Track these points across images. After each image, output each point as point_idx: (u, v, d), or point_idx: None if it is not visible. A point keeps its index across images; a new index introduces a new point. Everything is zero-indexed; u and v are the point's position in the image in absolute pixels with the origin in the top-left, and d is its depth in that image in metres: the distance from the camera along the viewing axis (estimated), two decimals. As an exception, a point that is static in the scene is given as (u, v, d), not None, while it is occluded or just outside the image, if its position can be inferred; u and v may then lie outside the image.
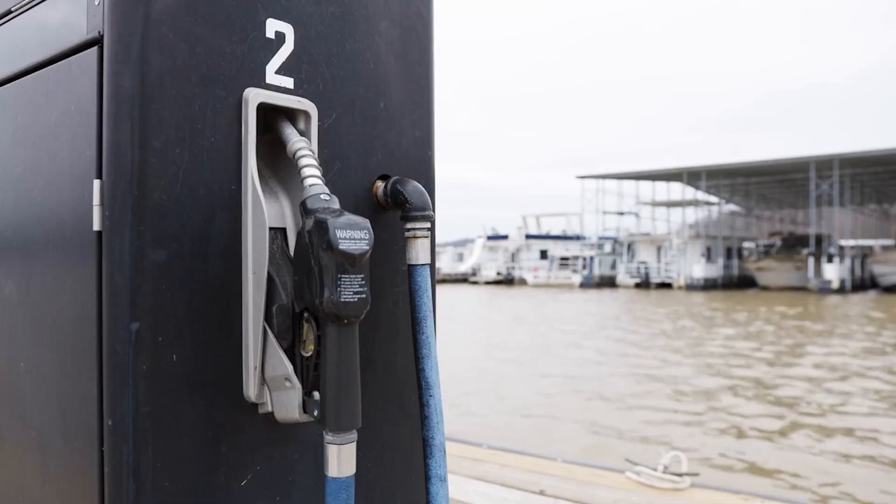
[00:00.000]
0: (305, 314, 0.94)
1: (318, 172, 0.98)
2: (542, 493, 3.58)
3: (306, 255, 0.92)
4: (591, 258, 53.97)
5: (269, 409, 1.00)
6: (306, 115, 1.06)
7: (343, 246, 0.89)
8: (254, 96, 1.00)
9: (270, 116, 1.04)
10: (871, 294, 39.65)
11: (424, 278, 1.16)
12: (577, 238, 59.48)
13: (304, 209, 0.94)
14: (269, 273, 0.98)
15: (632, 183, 57.20)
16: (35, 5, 1.12)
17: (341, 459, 0.93)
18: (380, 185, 1.19)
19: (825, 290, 39.66)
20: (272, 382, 0.98)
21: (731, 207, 62.75)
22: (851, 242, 48.65)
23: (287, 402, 0.97)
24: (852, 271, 43.22)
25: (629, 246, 52.75)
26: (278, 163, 1.06)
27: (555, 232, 62.89)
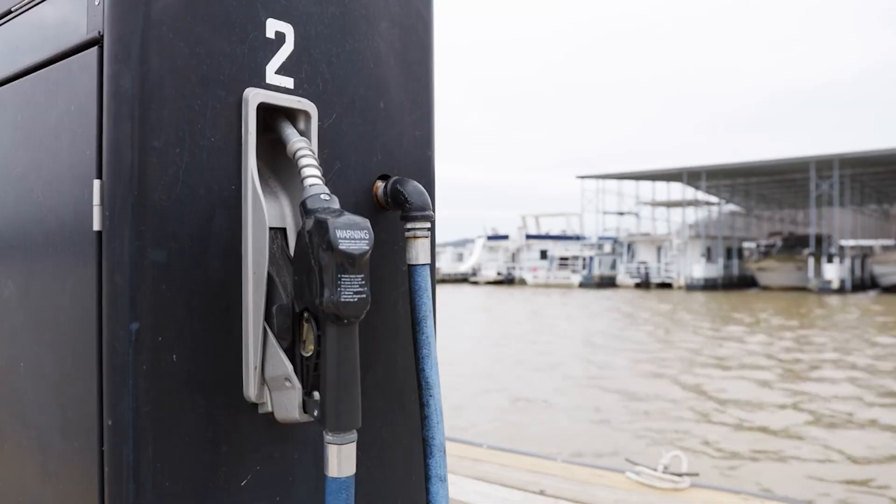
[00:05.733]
0: (305, 314, 0.94)
1: (318, 172, 0.98)
2: (542, 493, 3.57)
3: (306, 255, 0.92)
4: (591, 258, 53.95)
5: (269, 409, 1.00)
6: (306, 115, 1.06)
7: (343, 246, 0.89)
8: (254, 96, 1.00)
9: (270, 116, 1.04)
10: (872, 294, 39.65)
11: (424, 278, 1.16)
12: (578, 238, 59.46)
13: (304, 209, 0.94)
14: (269, 273, 0.98)
15: (632, 183, 57.20)
16: (35, 5, 1.12)
17: (341, 459, 0.93)
18: (380, 185, 1.19)
19: (825, 290, 39.64)
20: (272, 382, 0.98)
21: (731, 207, 62.73)
22: (851, 242, 48.62)
23: (287, 402, 0.97)
24: (852, 271, 43.20)
25: (629, 246, 52.72)
26: (278, 163, 1.06)
27: (555, 232, 62.87)
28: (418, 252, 1.16)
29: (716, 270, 46.61)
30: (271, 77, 1.03)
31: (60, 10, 1.05)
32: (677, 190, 58.59)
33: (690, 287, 44.77)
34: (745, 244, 53.68)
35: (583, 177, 57.08)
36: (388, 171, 1.22)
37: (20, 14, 1.16)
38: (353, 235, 0.90)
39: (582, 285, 50.24)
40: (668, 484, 3.67)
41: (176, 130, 0.94)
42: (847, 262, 42.46)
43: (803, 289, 41.14)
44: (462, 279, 60.21)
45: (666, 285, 47.50)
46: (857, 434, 7.92)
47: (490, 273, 58.17)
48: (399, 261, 1.24)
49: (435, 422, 1.14)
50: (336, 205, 0.95)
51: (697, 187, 53.32)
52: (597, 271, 52.67)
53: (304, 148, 1.00)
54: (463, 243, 78.82)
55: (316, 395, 0.94)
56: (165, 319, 0.92)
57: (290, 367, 0.96)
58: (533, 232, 63.11)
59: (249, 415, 1.00)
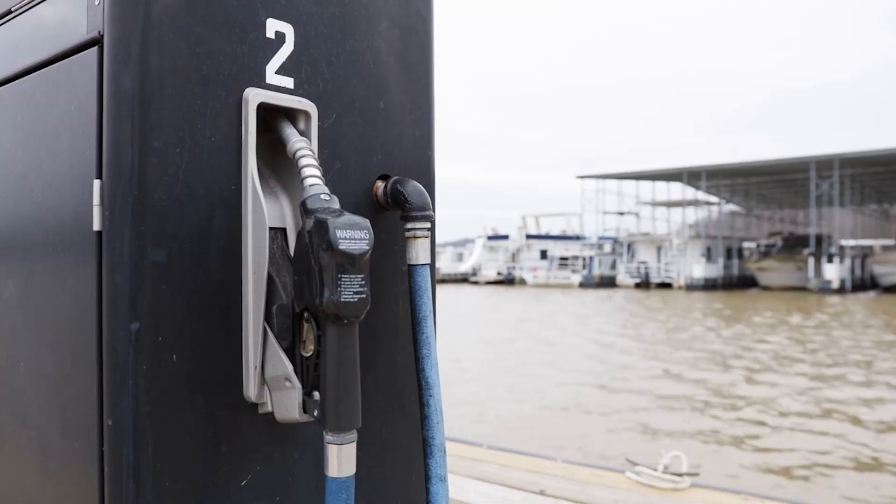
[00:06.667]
0: (305, 314, 0.94)
1: (318, 172, 0.98)
2: (542, 493, 3.57)
3: (306, 255, 0.92)
4: (591, 258, 53.94)
5: (269, 409, 1.00)
6: (306, 115, 1.06)
7: (343, 246, 0.89)
8: (254, 96, 1.00)
9: (270, 116, 1.04)
10: (872, 294, 39.63)
11: (424, 278, 1.16)
12: (578, 238, 59.45)
13: (304, 209, 0.94)
14: (269, 273, 0.98)
15: (632, 183, 57.19)
16: (35, 5, 1.12)
17: (341, 459, 0.93)
18: (380, 185, 1.19)
19: (825, 289, 39.64)
20: (272, 382, 0.98)
21: (731, 207, 62.70)
22: (851, 242, 48.61)
23: (287, 402, 0.97)
24: (852, 271, 43.18)
25: (629, 246, 52.70)
26: (278, 163, 1.06)
27: (555, 232, 62.85)
28: (418, 252, 1.16)
29: (716, 270, 46.59)
30: (271, 77, 1.03)
31: (60, 10, 1.05)
32: (677, 190, 58.62)
33: (690, 287, 44.75)
34: (745, 244, 53.66)
35: (583, 177, 57.10)
36: (388, 171, 1.22)
37: (20, 14, 1.16)
38: (353, 235, 0.90)
39: (582, 285, 50.23)
40: (669, 484, 3.67)
41: (176, 130, 0.94)
42: (847, 262, 42.44)
43: (803, 289, 41.12)
44: (462, 279, 60.20)
45: (666, 285, 47.47)
46: None
47: (490, 273, 58.15)
48: (399, 261, 1.24)
49: (435, 422, 1.14)
50: (336, 205, 0.95)
51: (697, 187, 53.30)
52: (597, 271, 52.67)
53: (304, 148, 1.00)
54: (463, 243, 78.80)
55: (316, 395, 0.94)
56: (165, 319, 0.92)
57: (290, 367, 0.96)
58: (533, 232, 63.08)
59: (249, 415, 1.00)
